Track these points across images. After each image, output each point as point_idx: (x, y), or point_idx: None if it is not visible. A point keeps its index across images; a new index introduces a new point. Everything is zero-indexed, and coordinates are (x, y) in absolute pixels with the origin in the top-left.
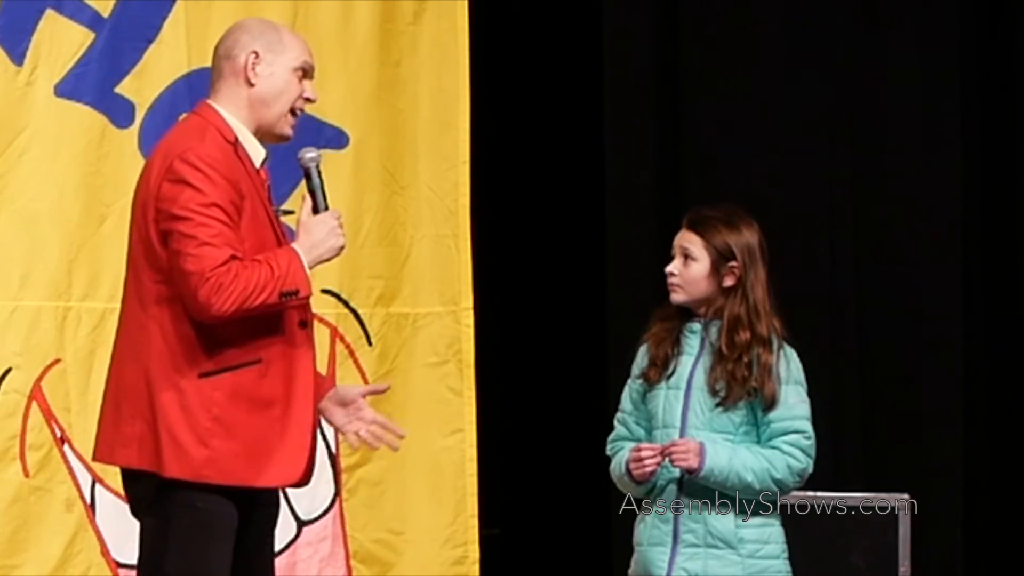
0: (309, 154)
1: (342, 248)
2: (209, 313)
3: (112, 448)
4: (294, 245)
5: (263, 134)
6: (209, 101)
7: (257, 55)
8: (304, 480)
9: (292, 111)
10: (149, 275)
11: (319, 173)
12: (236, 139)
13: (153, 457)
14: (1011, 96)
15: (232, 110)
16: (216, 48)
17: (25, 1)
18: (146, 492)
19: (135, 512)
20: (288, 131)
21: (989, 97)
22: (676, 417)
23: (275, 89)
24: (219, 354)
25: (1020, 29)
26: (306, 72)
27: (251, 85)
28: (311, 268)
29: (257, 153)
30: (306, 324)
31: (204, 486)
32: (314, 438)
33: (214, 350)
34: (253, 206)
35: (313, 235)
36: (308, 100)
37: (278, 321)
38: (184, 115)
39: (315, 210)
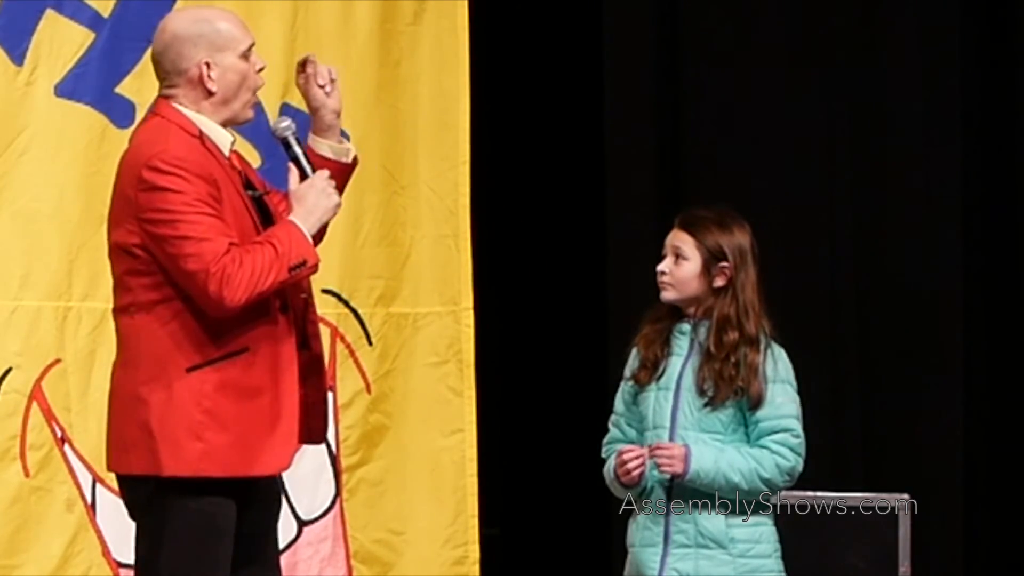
0: (282, 124)
1: (338, 205)
2: (223, 306)
3: (114, 456)
4: (291, 217)
5: (229, 124)
6: (169, 101)
7: (208, 64)
8: (318, 439)
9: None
10: (135, 283)
11: (298, 141)
12: (200, 132)
13: (150, 459)
14: (1011, 96)
15: (193, 108)
16: (156, 57)
17: (25, 1)
18: (141, 495)
19: (132, 514)
20: (251, 115)
21: (989, 97)
22: (666, 418)
23: (234, 84)
24: (205, 347)
25: (1021, 28)
26: (249, 49)
27: (211, 93)
28: (314, 233)
29: (224, 141)
30: (287, 308)
31: (198, 486)
32: (323, 418)
33: (200, 344)
34: (229, 195)
35: (306, 202)
36: (260, 71)
37: (262, 308)
38: (144, 115)
39: (302, 177)
